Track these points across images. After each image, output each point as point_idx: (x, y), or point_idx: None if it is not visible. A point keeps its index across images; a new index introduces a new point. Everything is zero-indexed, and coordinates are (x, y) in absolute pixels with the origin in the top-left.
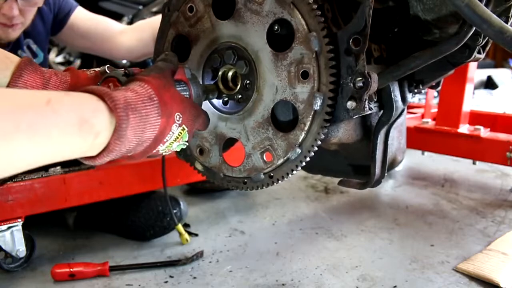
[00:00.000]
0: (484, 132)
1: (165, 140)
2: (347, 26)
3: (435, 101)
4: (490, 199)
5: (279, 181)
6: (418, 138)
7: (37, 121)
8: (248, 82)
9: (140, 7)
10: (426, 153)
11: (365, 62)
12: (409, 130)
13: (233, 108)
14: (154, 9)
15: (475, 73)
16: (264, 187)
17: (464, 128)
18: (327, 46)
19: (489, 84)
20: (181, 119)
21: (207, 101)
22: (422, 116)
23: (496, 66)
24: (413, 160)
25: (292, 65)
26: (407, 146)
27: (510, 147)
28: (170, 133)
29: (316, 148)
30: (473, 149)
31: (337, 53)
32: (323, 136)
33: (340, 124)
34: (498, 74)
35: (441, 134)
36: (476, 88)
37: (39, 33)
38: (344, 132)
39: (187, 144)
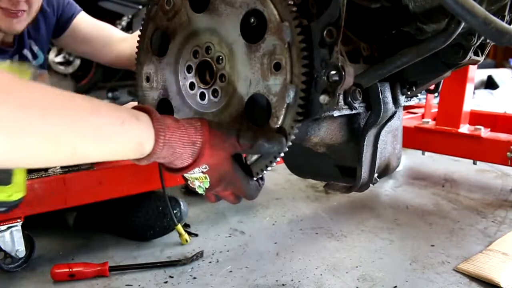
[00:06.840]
0: (484, 132)
1: (189, 173)
2: (321, 17)
3: (436, 101)
4: (491, 199)
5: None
6: (418, 138)
7: (110, 136)
8: (223, 75)
9: (140, 7)
10: (426, 153)
11: (339, 55)
12: (410, 130)
13: (209, 103)
14: None
15: (476, 73)
16: None
17: (465, 128)
18: (299, 36)
19: (490, 84)
20: (206, 169)
21: (185, 97)
22: (423, 116)
23: (496, 66)
24: (414, 160)
25: (265, 56)
26: (408, 146)
27: (511, 147)
28: (192, 171)
29: (290, 143)
30: (473, 149)
31: (311, 45)
32: (297, 131)
33: (322, 122)
34: (498, 74)
35: (441, 134)
36: (476, 88)
37: (41, 35)
38: (327, 132)
39: (205, 192)
